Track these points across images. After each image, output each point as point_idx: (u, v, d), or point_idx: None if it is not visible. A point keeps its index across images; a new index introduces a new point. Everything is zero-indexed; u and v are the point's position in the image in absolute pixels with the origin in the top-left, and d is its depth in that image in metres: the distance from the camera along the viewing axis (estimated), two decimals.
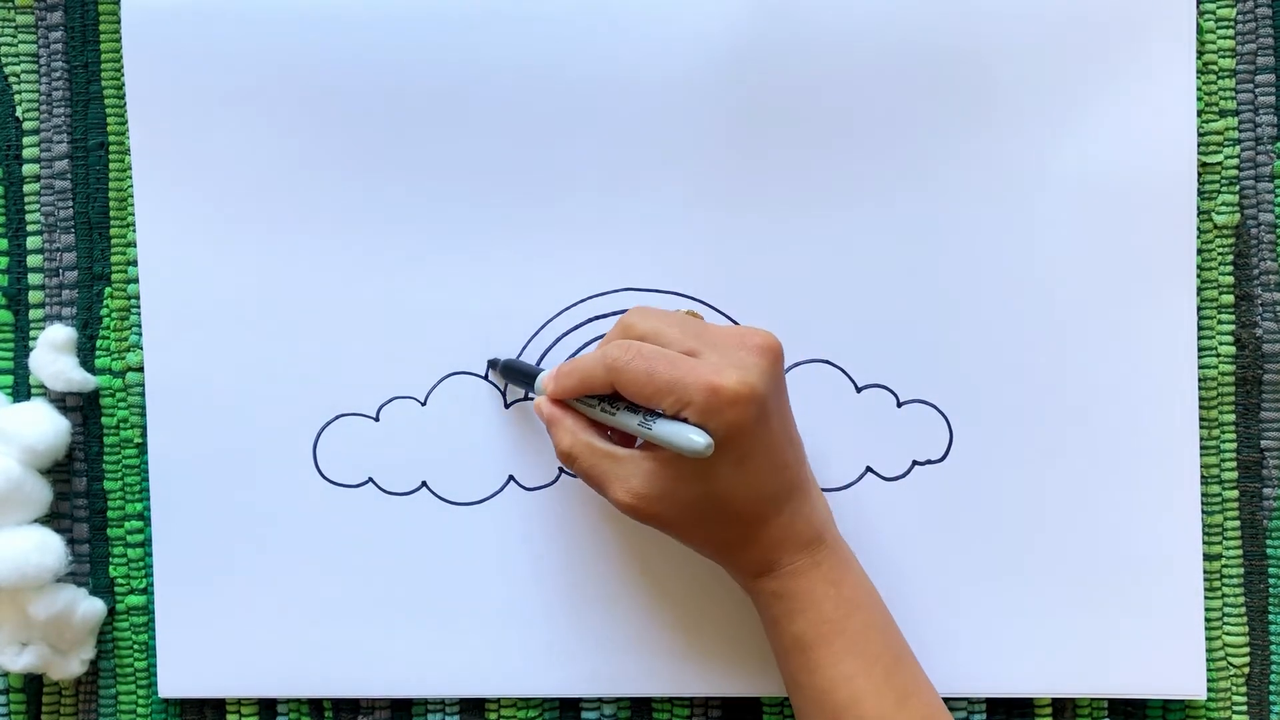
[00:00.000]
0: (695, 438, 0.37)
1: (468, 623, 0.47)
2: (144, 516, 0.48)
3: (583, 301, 0.47)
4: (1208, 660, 0.47)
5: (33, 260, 0.48)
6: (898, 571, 0.46)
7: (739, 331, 0.40)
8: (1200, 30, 0.47)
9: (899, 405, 0.46)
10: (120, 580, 0.48)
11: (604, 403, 0.40)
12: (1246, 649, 0.48)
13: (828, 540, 0.41)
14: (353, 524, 0.47)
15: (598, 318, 0.47)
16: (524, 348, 0.47)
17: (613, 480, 0.40)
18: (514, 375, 0.45)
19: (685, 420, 0.38)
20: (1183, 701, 0.47)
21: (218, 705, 0.48)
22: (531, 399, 0.46)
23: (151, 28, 0.46)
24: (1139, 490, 0.46)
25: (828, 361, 0.46)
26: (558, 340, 0.47)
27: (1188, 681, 0.46)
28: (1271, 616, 0.48)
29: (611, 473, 0.40)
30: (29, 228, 0.48)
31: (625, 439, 0.42)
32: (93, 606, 0.47)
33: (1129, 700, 0.48)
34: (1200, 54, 0.47)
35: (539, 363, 0.47)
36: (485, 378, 0.46)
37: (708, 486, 0.39)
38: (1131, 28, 0.45)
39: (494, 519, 0.47)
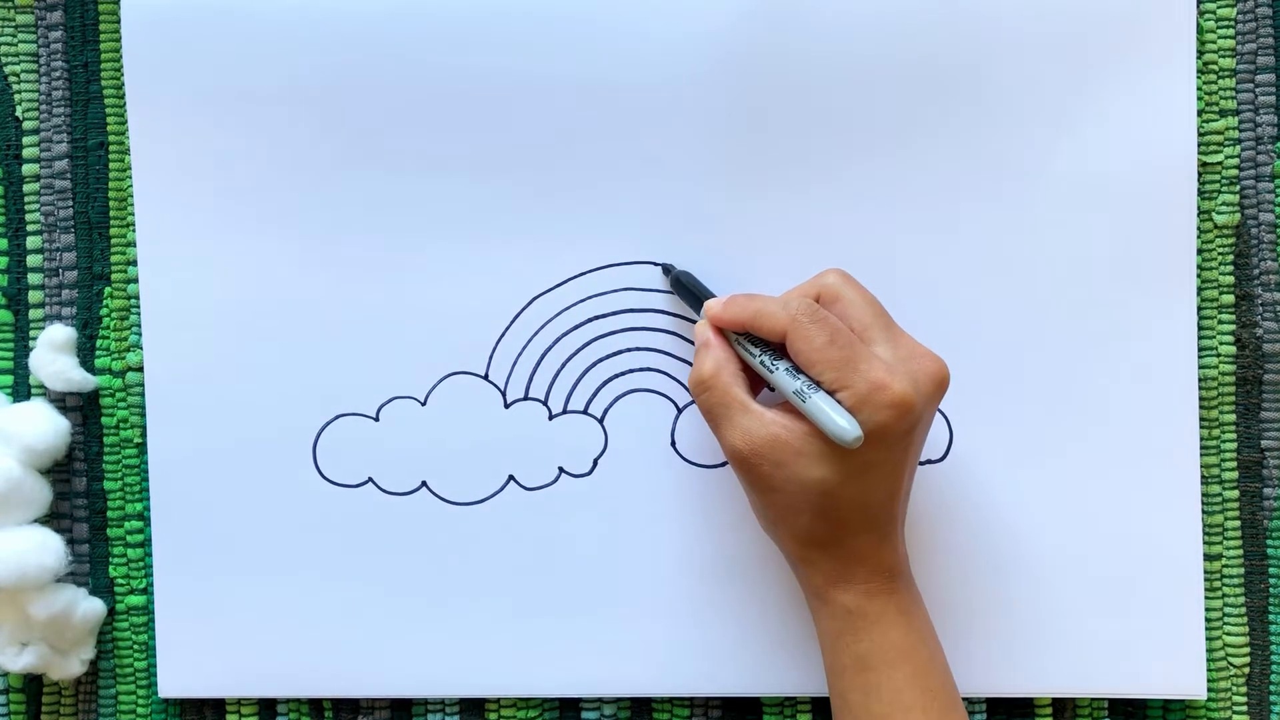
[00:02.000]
0: (847, 425, 0.36)
1: (468, 623, 0.47)
2: (144, 516, 0.48)
3: (583, 301, 0.47)
4: (1208, 660, 0.47)
5: (33, 260, 0.48)
6: None
7: (921, 347, 0.39)
8: (1200, 30, 0.47)
9: None
10: (120, 580, 0.48)
11: (769, 353, 0.40)
12: (1247, 649, 0.48)
13: (904, 576, 0.41)
14: (353, 524, 0.47)
15: (598, 317, 0.47)
16: (524, 347, 0.47)
17: (735, 426, 0.39)
18: (685, 291, 0.44)
19: (838, 403, 0.37)
20: (1183, 701, 0.47)
21: (218, 705, 0.48)
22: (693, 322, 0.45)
23: (151, 28, 0.46)
24: (1139, 490, 0.46)
25: None
26: (558, 340, 0.47)
27: (1188, 681, 0.46)
28: (1272, 616, 0.48)
29: (736, 419, 0.39)
30: (29, 228, 0.48)
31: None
32: (93, 606, 0.47)
33: (1129, 700, 0.48)
34: (1200, 54, 0.47)
35: (541, 360, 0.46)
36: (667, 274, 0.46)
37: (824, 475, 0.38)
38: (1131, 28, 0.45)
39: (494, 519, 0.47)
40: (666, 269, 0.46)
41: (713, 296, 0.43)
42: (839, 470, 0.38)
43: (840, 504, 0.38)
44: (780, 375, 0.39)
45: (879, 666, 0.39)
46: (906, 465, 0.39)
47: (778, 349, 0.40)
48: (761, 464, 0.39)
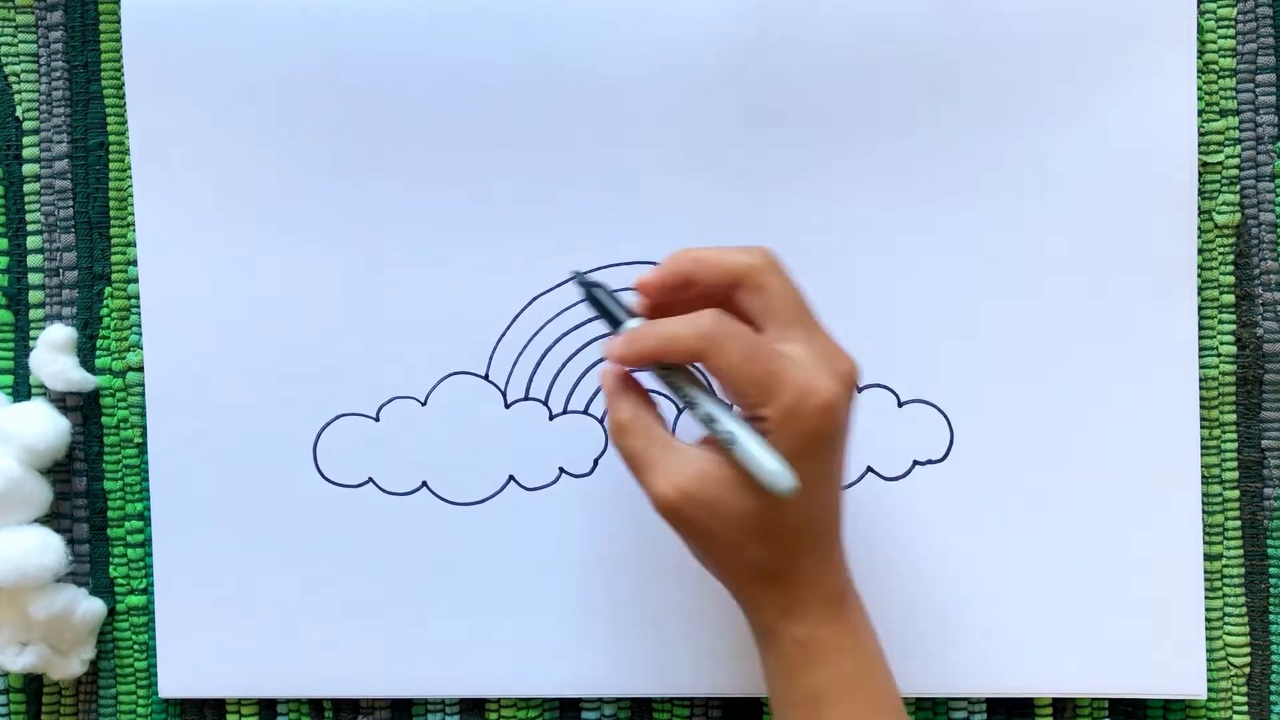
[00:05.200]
0: (782, 469, 0.34)
1: (468, 623, 0.47)
2: (144, 516, 0.48)
3: (583, 301, 0.46)
4: (1208, 660, 0.47)
5: (33, 260, 0.48)
6: (898, 571, 0.46)
7: (835, 345, 0.37)
8: (1201, 30, 0.47)
9: (899, 405, 0.46)
10: (120, 580, 0.48)
11: (691, 390, 0.36)
12: (1247, 649, 0.48)
13: (850, 593, 0.39)
14: (353, 524, 0.47)
15: (598, 317, 0.47)
16: (524, 347, 0.47)
17: (659, 470, 0.36)
18: (599, 308, 0.39)
19: (764, 419, 0.35)
20: (1183, 701, 0.47)
21: (218, 705, 0.48)
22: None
23: (151, 28, 0.46)
24: (1139, 490, 0.46)
25: None
26: (558, 340, 0.47)
27: (1188, 681, 0.46)
28: (1272, 616, 0.48)
29: (660, 461, 0.36)
30: (29, 228, 0.48)
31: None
32: (93, 606, 0.47)
33: (1129, 700, 0.48)
34: (1201, 54, 0.47)
35: (541, 360, 0.46)
36: (577, 282, 0.41)
37: (764, 502, 0.35)
38: (1132, 27, 0.45)
39: (494, 519, 0.47)
40: (576, 275, 0.40)
41: (630, 321, 0.38)
42: (773, 498, 0.35)
43: (784, 527, 0.36)
44: (700, 415, 0.36)
45: (832, 701, 0.37)
46: (839, 473, 0.38)
47: (698, 385, 0.37)
48: (693, 508, 0.36)
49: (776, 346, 0.36)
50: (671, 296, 0.38)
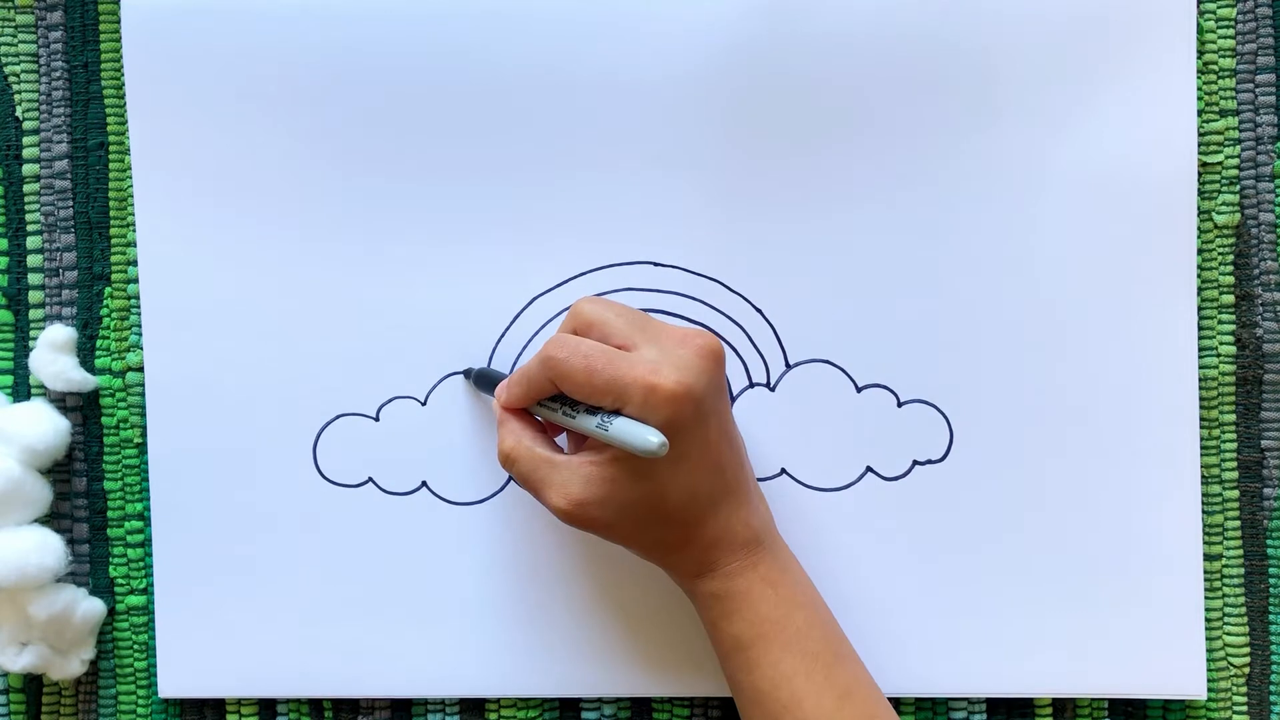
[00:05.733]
0: (650, 436, 0.37)
1: (468, 623, 0.47)
2: (144, 516, 0.48)
3: (473, 384, 0.47)
4: (1208, 660, 0.47)
5: (33, 260, 0.48)
6: (898, 571, 0.46)
7: (682, 331, 0.40)
8: (1200, 30, 0.47)
9: (899, 405, 0.46)
10: (120, 580, 0.48)
11: (564, 405, 0.40)
12: (1247, 649, 0.48)
13: (765, 542, 0.41)
14: (353, 524, 0.47)
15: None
16: (524, 347, 0.47)
17: (550, 486, 0.40)
18: (485, 384, 0.45)
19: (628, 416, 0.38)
20: (1183, 701, 0.47)
21: (218, 705, 0.48)
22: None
23: (151, 28, 0.46)
24: (1139, 490, 0.46)
25: (828, 361, 0.46)
26: None
27: (1188, 681, 0.46)
28: (1272, 616, 0.48)
29: (549, 478, 0.40)
30: (29, 228, 0.48)
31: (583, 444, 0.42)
32: (93, 606, 0.47)
33: (1129, 700, 0.48)
34: (1200, 54, 0.47)
35: None
36: (468, 378, 0.46)
37: (645, 488, 0.39)
38: (1131, 28, 0.45)
39: (494, 519, 0.47)
40: (466, 373, 0.46)
41: (502, 379, 0.43)
42: (654, 477, 0.39)
43: (671, 503, 0.39)
44: (582, 419, 0.39)
45: (754, 643, 0.40)
46: (719, 439, 0.40)
47: (568, 400, 0.40)
48: (586, 510, 0.39)
49: (618, 353, 0.39)
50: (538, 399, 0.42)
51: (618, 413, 0.38)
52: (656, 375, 0.37)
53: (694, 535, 0.40)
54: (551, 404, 0.41)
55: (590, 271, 0.46)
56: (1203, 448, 0.47)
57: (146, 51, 0.46)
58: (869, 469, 0.46)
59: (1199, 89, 0.47)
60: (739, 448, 0.42)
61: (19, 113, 0.48)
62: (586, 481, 0.39)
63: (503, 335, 0.47)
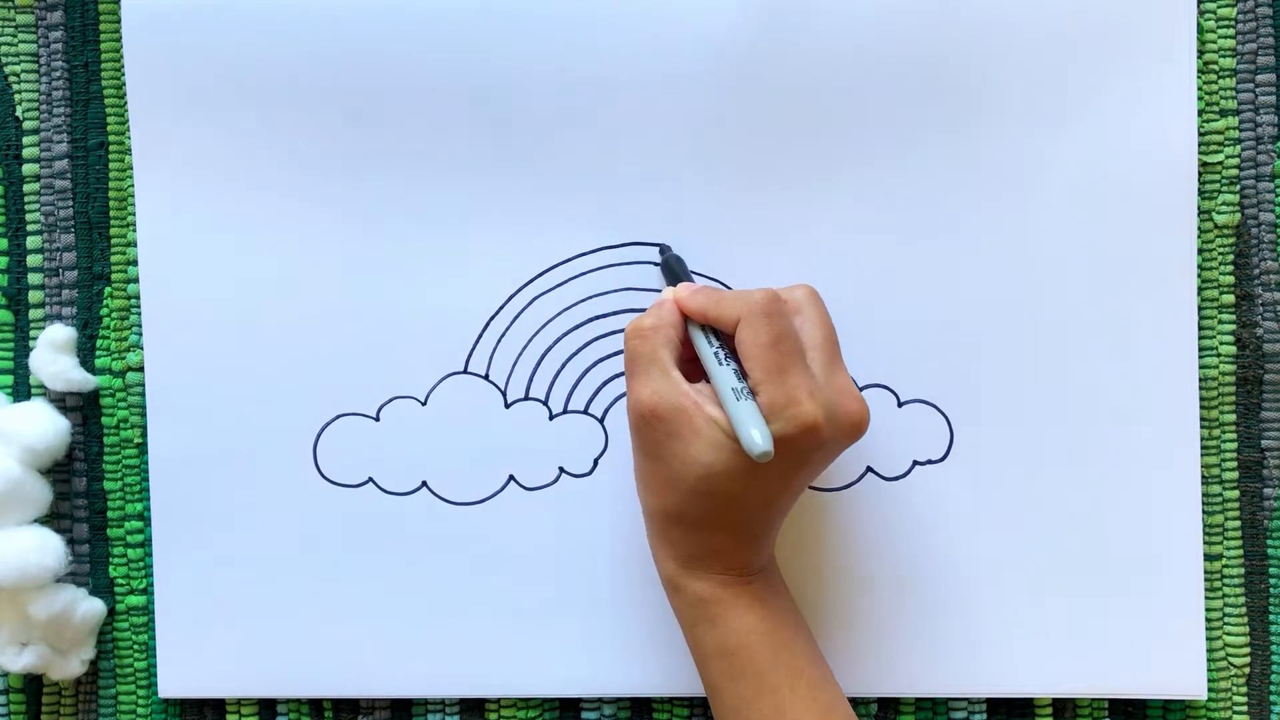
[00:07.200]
0: (759, 439, 0.36)
1: (468, 623, 0.47)
2: (144, 516, 0.48)
3: (583, 301, 0.47)
4: (1208, 660, 0.47)
5: (33, 260, 0.48)
6: (898, 571, 0.46)
7: (852, 387, 0.39)
8: (1200, 30, 0.47)
9: (899, 405, 0.46)
10: (120, 580, 0.48)
11: (723, 348, 0.39)
12: (1247, 649, 0.48)
13: (762, 574, 0.41)
14: (353, 524, 0.47)
15: (598, 317, 0.47)
16: (524, 347, 0.47)
17: (650, 380, 0.39)
18: (669, 272, 0.45)
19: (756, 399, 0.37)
20: (1183, 701, 0.47)
21: (218, 705, 0.48)
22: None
23: (151, 28, 0.46)
24: (1139, 490, 0.46)
25: None
26: (558, 340, 0.47)
27: (1188, 681, 0.46)
28: (1272, 616, 0.48)
29: (655, 375, 0.39)
30: (29, 228, 0.48)
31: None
32: (93, 606, 0.47)
33: (1129, 700, 0.48)
34: (1200, 54, 0.47)
35: (541, 360, 0.47)
36: (662, 255, 0.46)
37: (711, 461, 0.38)
38: (1131, 28, 0.45)
39: (494, 519, 0.47)
40: (663, 249, 0.46)
41: (691, 279, 0.43)
42: (726, 464, 0.37)
43: (716, 495, 0.38)
44: (724, 371, 0.38)
45: (740, 649, 0.39)
46: (792, 485, 0.39)
47: (731, 349, 0.39)
48: (659, 427, 0.38)
49: (799, 357, 0.38)
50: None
51: (754, 397, 0.37)
52: (810, 398, 0.37)
53: (708, 531, 0.39)
54: (713, 337, 0.40)
55: (591, 271, 0.46)
56: (1203, 448, 0.47)
57: (146, 51, 0.46)
58: (869, 469, 0.46)
59: (1199, 89, 0.47)
60: (792, 503, 0.41)
61: (19, 113, 0.48)
62: (678, 410, 0.38)
63: (503, 335, 0.47)
